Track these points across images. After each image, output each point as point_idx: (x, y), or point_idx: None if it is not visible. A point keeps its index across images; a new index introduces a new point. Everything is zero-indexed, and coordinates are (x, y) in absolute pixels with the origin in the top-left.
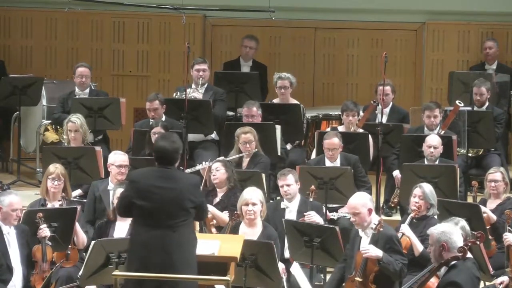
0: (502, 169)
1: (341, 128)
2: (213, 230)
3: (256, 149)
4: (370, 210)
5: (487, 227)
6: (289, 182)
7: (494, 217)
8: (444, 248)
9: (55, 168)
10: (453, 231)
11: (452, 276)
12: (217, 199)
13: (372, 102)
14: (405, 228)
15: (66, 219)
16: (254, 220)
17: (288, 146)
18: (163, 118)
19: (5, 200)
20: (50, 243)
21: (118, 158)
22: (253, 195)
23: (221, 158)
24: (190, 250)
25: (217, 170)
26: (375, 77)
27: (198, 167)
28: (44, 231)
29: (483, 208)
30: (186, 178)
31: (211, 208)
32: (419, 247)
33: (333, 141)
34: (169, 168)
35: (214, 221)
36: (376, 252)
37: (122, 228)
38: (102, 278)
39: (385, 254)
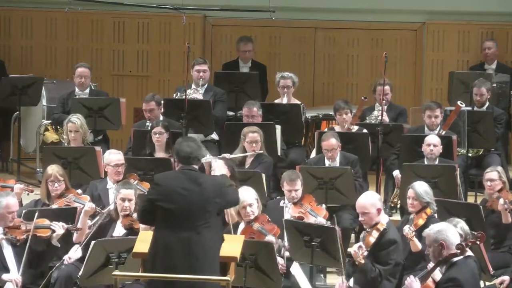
0: (499, 168)
1: (338, 129)
2: None
3: (262, 151)
4: (379, 210)
5: None
6: (297, 187)
7: None
8: (443, 247)
9: (52, 169)
10: (448, 228)
11: (453, 273)
12: None
13: (362, 98)
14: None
15: (66, 219)
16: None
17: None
18: (161, 118)
19: (2, 201)
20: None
21: (113, 158)
22: (248, 197)
23: (227, 155)
24: (214, 253)
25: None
26: (375, 77)
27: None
28: None
29: None
30: (211, 179)
31: None
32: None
33: (331, 142)
34: (194, 170)
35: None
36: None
37: (121, 228)
38: (102, 278)
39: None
